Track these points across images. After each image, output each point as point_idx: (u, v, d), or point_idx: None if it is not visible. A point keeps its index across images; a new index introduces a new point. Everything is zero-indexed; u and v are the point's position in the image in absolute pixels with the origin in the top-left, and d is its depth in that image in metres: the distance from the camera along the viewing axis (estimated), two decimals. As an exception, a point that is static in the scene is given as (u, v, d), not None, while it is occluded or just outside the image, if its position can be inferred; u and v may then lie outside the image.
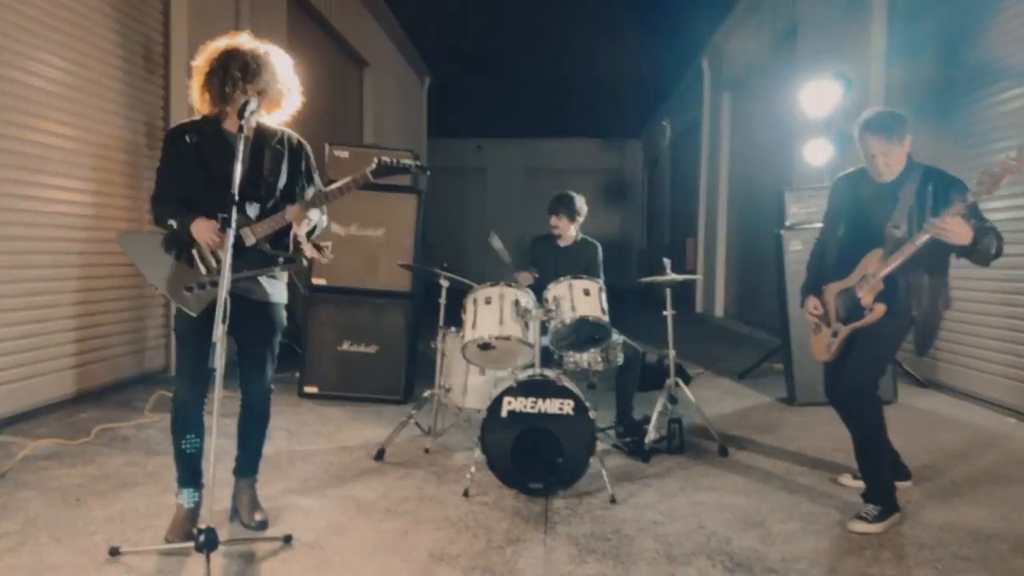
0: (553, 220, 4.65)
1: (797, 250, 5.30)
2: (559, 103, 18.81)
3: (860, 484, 3.39)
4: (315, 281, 5.31)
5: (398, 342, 5.32)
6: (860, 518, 3.05)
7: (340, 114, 10.14)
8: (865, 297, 3.10)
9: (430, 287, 4.50)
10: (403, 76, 14.03)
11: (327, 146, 5.26)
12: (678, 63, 14.98)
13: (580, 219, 4.67)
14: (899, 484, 3.30)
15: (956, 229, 2.82)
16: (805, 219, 5.35)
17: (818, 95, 6.02)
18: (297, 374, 5.41)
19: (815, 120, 6.28)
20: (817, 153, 6.28)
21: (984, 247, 2.87)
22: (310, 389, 5.31)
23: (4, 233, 4.42)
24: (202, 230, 2.68)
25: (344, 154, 5.24)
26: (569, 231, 4.67)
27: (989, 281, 5.22)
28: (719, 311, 12.44)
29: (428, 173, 3.35)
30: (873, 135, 3.05)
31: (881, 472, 3.15)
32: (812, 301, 3.36)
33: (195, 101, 2.78)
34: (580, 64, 17.03)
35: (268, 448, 3.80)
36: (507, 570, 2.69)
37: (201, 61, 2.75)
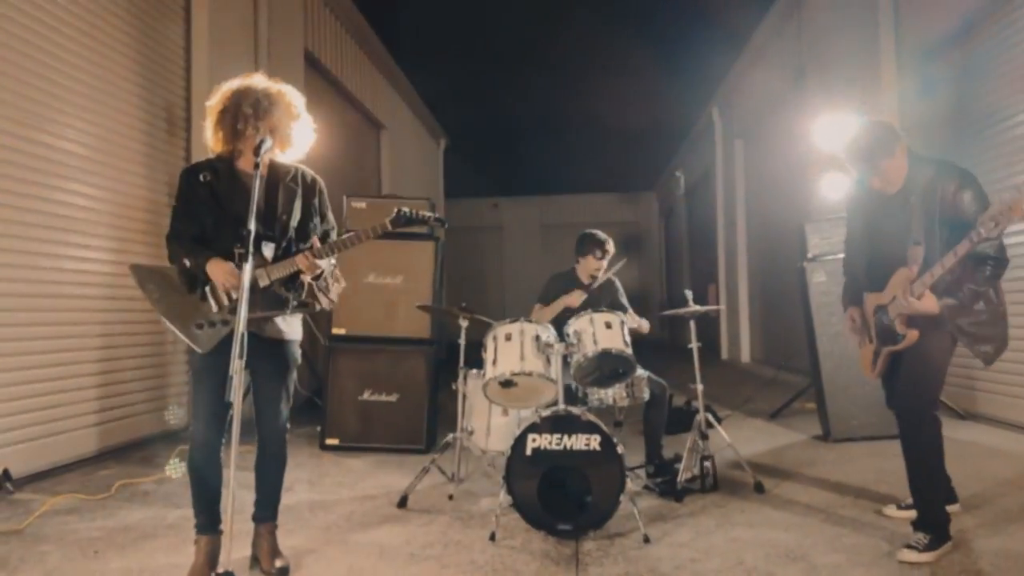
0: (599, 264, 4.57)
1: (821, 281, 5.22)
2: (572, 159, 19.06)
3: (907, 514, 3.22)
4: (335, 331, 5.30)
5: (419, 389, 5.25)
6: (910, 547, 2.87)
7: (358, 175, 10.34)
8: (898, 324, 2.99)
9: (452, 338, 4.41)
10: (419, 139, 14.35)
11: (344, 197, 5.33)
12: (688, 114, 15.19)
13: None
14: (947, 508, 3.12)
15: (918, 309, 2.82)
16: (827, 250, 5.28)
17: (833, 128, 6.02)
18: (319, 428, 5.34)
19: (829, 155, 6.27)
20: (834, 187, 6.24)
21: (951, 314, 2.85)
22: (331, 441, 5.22)
23: (28, 291, 4.48)
24: (218, 271, 2.69)
25: (361, 205, 5.30)
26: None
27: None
28: (745, 356, 12.22)
29: (446, 225, 3.35)
30: (861, 163, 2.98)
31: (935, 499, 2.97)
32: (852, 311, 3.28)
33: (209, 140, 2.83)
34: (591, 120, 17.30)
35: (289, 499, 3.74)
36: (538, 611, 2.55)
37: (215, 101, 2.80)
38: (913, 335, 2.95)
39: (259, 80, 2.84)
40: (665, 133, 17.16)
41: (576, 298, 4.43)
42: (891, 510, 3.44)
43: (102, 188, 5.12)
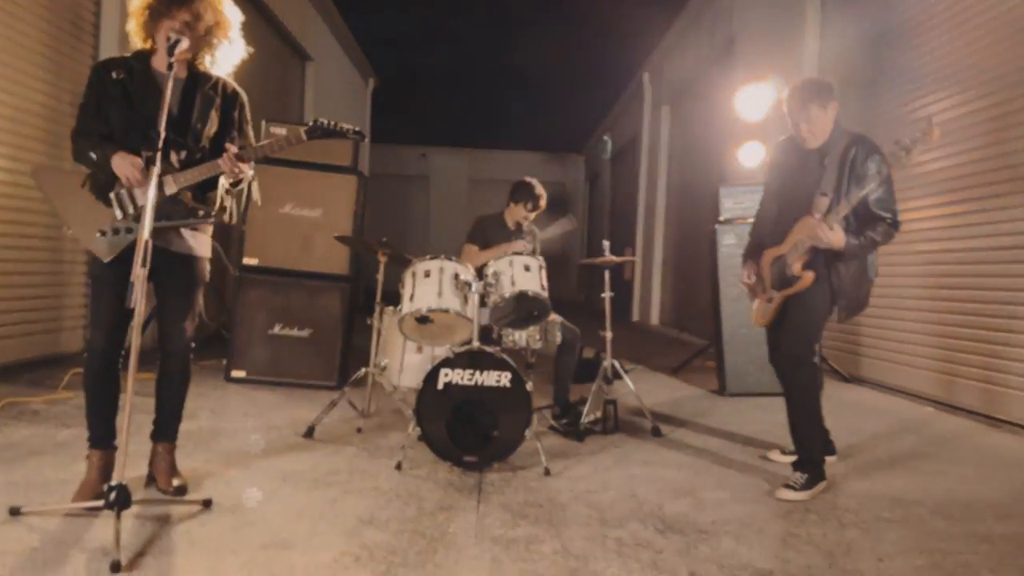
0: (528, 215, 4.61)
1: (730, 244, 5.43)
2: (504, 115, 18.96)
3: (789, 459, 3.46)
4: (246, 261, 5.13)
5: (333, 326, 5.18)
6: (788, 487, 3.10)
7: (282, 106, 9.94)
8: (795, 265, 3.18)
9: (369, 282, 4.33)
10: (347, 75, 13.88)
11: (264, 122, 5.12)
12: (620, 78, 15.31)
13: None
14: (826, 459, 3.37)
15: (828, 238, 3.02)
16: (739, 214, 5.49)
17: (752, 99, 6.22)
18: (224, 362, 5.20)
19: (750, 124, 6.48)
20: (751, 155, 6.47)
21: (850, 252, 3.08)
22: (237, 373, 5.10)
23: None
24: (122, 164, 2.54)
25: (281, 130, 5.08)
26: None
27: (910, 277, 5.47)
28: (655, 319, 12.64)
29: (365, 139, 3.26)
30: (797, 102, 3.15)
31: (812, 440, 3.22)
32: (748, 268, 3.45)
33: (132, 31, 2.65)
34: (525, 78, 17.22)
35: (190, 425, 3.65)
36: (439, 533, 2.62)
37: None
38: (809, 276, 3.15)
39: None
40: (596, 96, 17.28)
41: (520, 247, 4.42)
42: (775, 455, 3.69)
43: (-4, 91, 4.74)
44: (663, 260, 12.63)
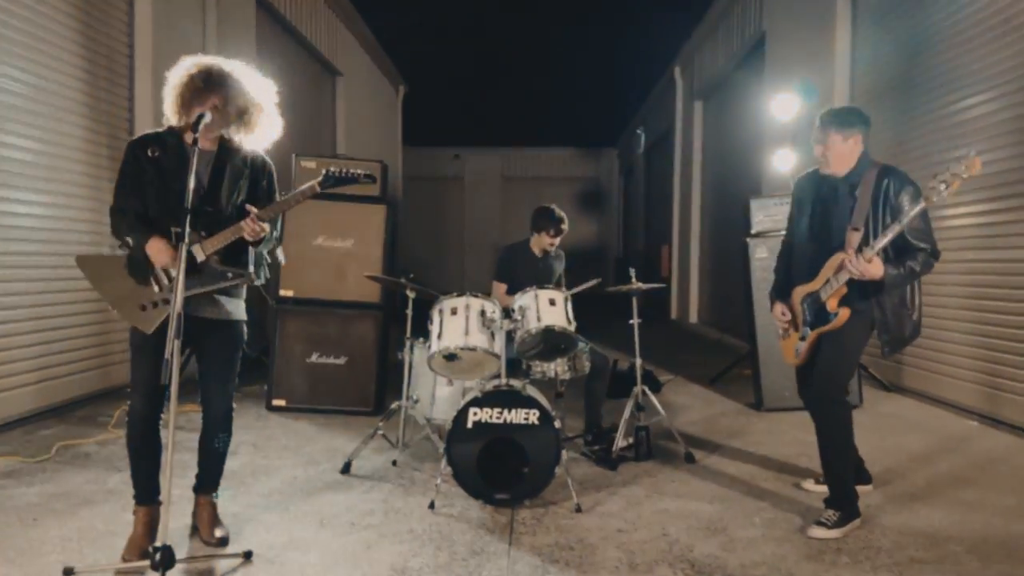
0: (552, 240, 4.66)
1: (763, 257, 5.36)
2: (536, 112, 18.87)
3: (822, 489, 3.43)
4: (283, 293, 5.27)
5: (368, 353, 5.29)
6: (820, 524, 3.08)
7: (313, 124, 10.11)
8: (830, 302, 3.14)
9: (402, 297, 4.45)
10: (377, 85, 14.02)
11: (294, 157, 5.25)
12: (651, 73, 15.12)
13: None
14: (860, 488, 3.33)
15: (867, 271, 2.97)
16: (771, 227, 5.41)
17: (785, 103, 6.11)
18: (265, 387, 5.36)
19: (782, 128, 6.37)
20: (784, 160, 6.37)
21: (891, 282, 3.03)
22: (278, 402, 5.26)
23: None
24: (157, 252, 2.69)
25: (311, 164, 5.22)
26: None
27: (954, 287, 5.32)
28: (693, 317, 12.53)
29: (375, 181, 3.33)
30: (823, 126, 3.15)
31: (845, 478, 3.18)
32: (779, 307, 3.40)
33: (167, 112, 2.77)
34: (556, 74, 17.09)
35: (233, 462, 3.78)
36: (470, 583, 2.68)
37: (176, 74, 2.73)
38: (845, 313, 3.10)
39: (221, 60, 2.78)
40: (628, 89, 17.06)
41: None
42: (809, 484, 3.65)
43: (37, 139, 4.93)
44: (700, 257, 12.49)
